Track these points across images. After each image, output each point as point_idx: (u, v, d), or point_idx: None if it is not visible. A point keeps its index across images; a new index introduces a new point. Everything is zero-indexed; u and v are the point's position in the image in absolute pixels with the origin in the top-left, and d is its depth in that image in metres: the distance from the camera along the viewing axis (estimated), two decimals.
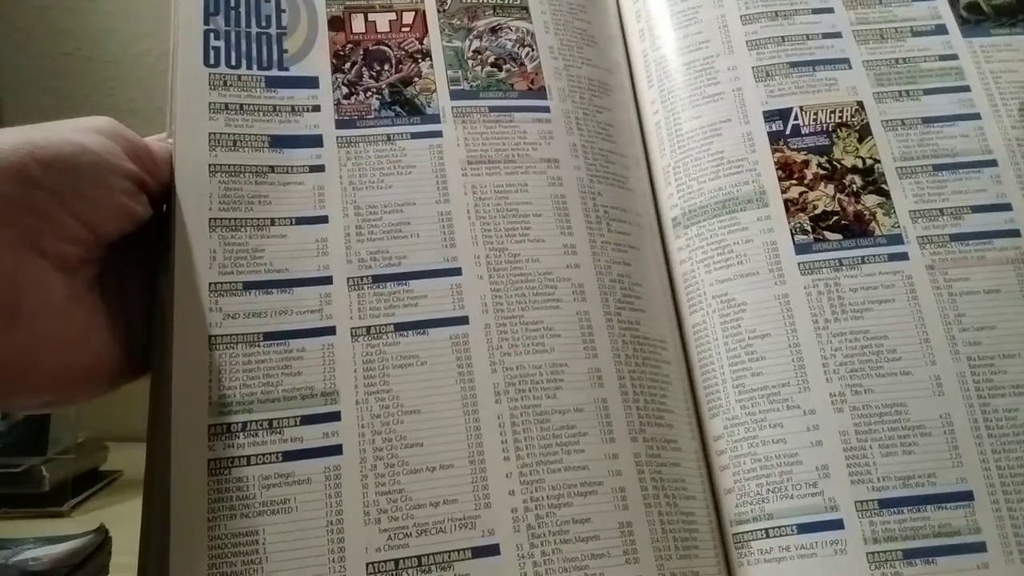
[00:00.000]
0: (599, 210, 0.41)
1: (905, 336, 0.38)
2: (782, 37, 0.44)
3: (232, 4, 0.41)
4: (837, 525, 0.35)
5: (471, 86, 0.42)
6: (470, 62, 0.42)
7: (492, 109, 0.41)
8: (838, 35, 0.44)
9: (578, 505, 0.35)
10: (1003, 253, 0.39)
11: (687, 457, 0.38)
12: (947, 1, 0.45)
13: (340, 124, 0.39)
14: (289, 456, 0.33)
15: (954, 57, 0.43)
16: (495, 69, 0.42)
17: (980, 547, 0.35)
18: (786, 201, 0.41)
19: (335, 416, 0.34)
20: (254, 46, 0.40)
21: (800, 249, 0.40)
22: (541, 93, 0.42)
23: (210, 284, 0.35)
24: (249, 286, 0.35)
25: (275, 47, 0.40)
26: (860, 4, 0.45)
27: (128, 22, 1.06)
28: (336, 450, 0.34)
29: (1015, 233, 0.40)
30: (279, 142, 0.38)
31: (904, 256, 0.39)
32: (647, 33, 0.47)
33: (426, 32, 0.42)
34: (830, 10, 0.45)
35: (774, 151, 0.42)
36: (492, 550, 0.33)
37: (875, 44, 0.44)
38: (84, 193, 0.32)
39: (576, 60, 0.45)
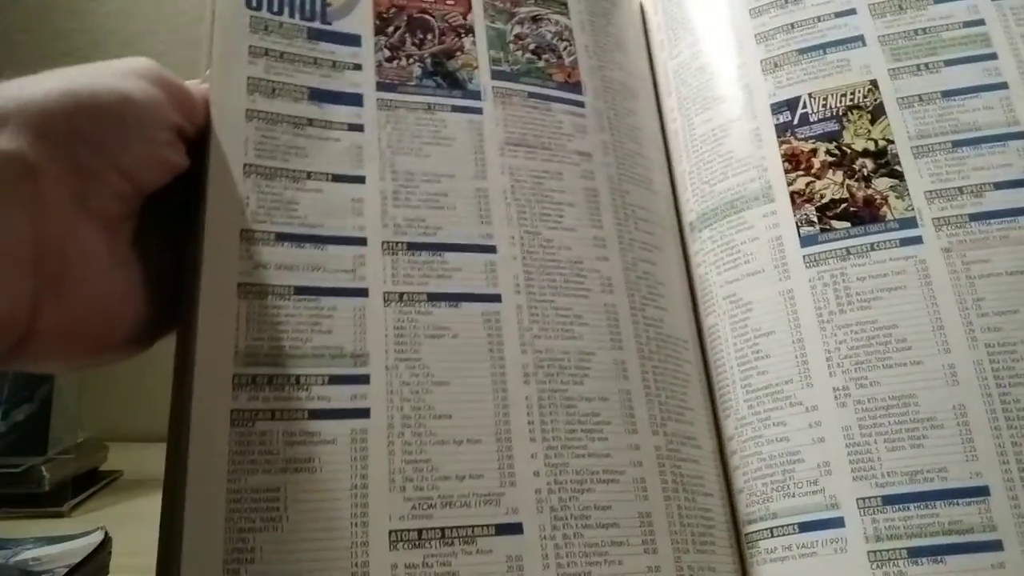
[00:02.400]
0: (627, 208, 0.41)
1: (916, 324, 0.36)
2: (791, 24, 0.43)
3: None
4: (837, 523, 0.34)
5: (512, 69, 0.42)
6: (511, 46, 0.42)
7: (531, 95, 0.42)
8: (852, 12, 0.42)
9: (600, 492, 0.35)
10: None
11: (705, 455, 0.38)
12: None
13: (381, 87, 0.39)
14: (315, 415, 0.32)
15: (980, 23, 0.41)
16: (535, 57, 0.43)
17: (995, 545, 0.33)
18: (792, 193, 0.40)
19: (364, 379, 0.34)
20: None
21: (805, 241, 0.39)
22: (577, 88, 0.43)
23: (242, 231, 0.34)
24: (282, 237, 0.34)
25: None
26: None
27: (128, 22, 1.07)
28: (364, 413, 0.33)
29: None
30: (319, 96, 0.38)
31: (917, 240, 0.37)
32: (667, 43, 0.47)
33: (470, 8, 0.43)
34: None
35: (781, 143, 0.41)
36: (515, 528, 0.33)
37: (893, 16, 0.42)
38: (129, 146, 0.30)
39: (609, 62, 0.45)
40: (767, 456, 0.37)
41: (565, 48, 0.44)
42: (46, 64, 0.29)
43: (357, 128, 0.38)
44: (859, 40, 0.42)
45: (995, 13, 0.41)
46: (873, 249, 0.38)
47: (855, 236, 0.38)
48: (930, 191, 0.38)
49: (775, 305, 0.38)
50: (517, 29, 0.43)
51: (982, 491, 0.33)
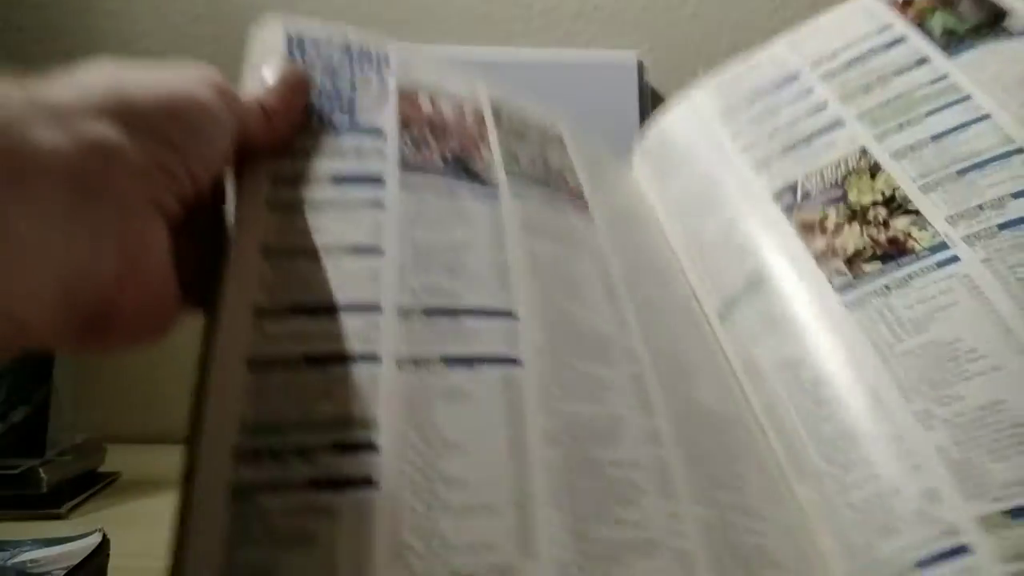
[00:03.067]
0: (644, 299, 0.41)
1: (981, 332, 0.34)
2: (772, 131, 0.45)
3: (309, 52, 0.42)
4: (963, 551, 0.30)
5: (525, 178, 0.43)
6: (522, 162, 0.44)
7: (544, 201, 0.43)
8: (824, 107, 0.45)
9: (637, 566, 0.30)
10: None
11: (770, 527, 0.34)
12: (921, 37, 0.45)
13: (404, 170, 0.39)
14: (317, 486, 0.30)
15: (945, 77, 0.43)
16: (545, 177, 0.44)
17: None
18: (815, 253, 0.39)
19: (372, 447, 0.31)
20: (325, 98, 0.41)
21: (842, 290, 0.38)
22: (584, 205, 0.44)
23: (255, 308, 0.33)
24: (295, 311, 0.34)
25: (346, 100, 0.41)
26: (836, 73, 0.46)
27: (126, 22, 1.05)
28: (369, 483, 0.30)
29: None
30: (340, 180, 0.38)
31: (954, 259, 0.36)
32: (660, 185, 0.50)
33: (485, 128, 0.44)
34: (810, 91, 0.46)
35: (790, 218, 0.41)
36: None
37: (862, 98, 0.44)
38: (200, 151, 0.32)
39: (608, 193, 0.47)
40: (858, 502, 0.33)
41: (568, 175, 0.46)
42: (41, 63, 0.31)
43: (378, 205, 0.38)
44: (838, 124, 0.44)
45: (956, 67, 0.43)
46: (911, 279, 0.37)
47: (889, 272, 0.37)
48: (951, 215, 0.38)
49: (827, 353, 0.37)
50: (528, 150, 0.45)
51: None
